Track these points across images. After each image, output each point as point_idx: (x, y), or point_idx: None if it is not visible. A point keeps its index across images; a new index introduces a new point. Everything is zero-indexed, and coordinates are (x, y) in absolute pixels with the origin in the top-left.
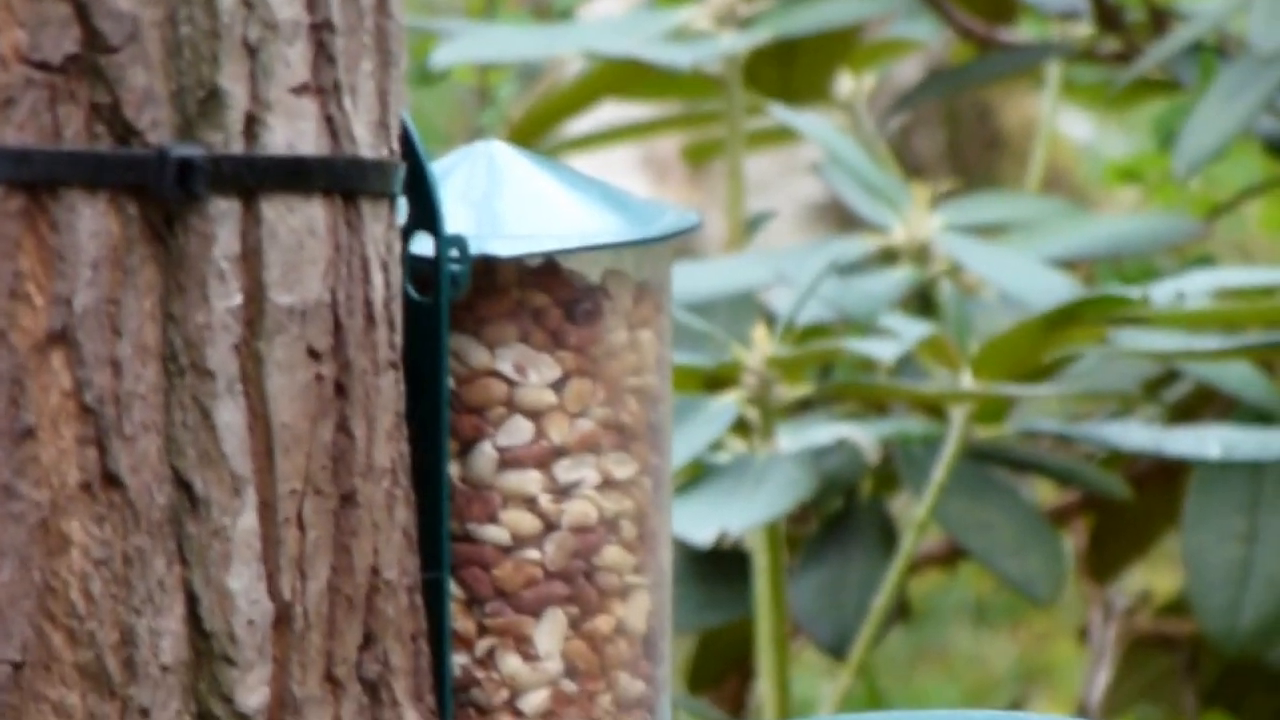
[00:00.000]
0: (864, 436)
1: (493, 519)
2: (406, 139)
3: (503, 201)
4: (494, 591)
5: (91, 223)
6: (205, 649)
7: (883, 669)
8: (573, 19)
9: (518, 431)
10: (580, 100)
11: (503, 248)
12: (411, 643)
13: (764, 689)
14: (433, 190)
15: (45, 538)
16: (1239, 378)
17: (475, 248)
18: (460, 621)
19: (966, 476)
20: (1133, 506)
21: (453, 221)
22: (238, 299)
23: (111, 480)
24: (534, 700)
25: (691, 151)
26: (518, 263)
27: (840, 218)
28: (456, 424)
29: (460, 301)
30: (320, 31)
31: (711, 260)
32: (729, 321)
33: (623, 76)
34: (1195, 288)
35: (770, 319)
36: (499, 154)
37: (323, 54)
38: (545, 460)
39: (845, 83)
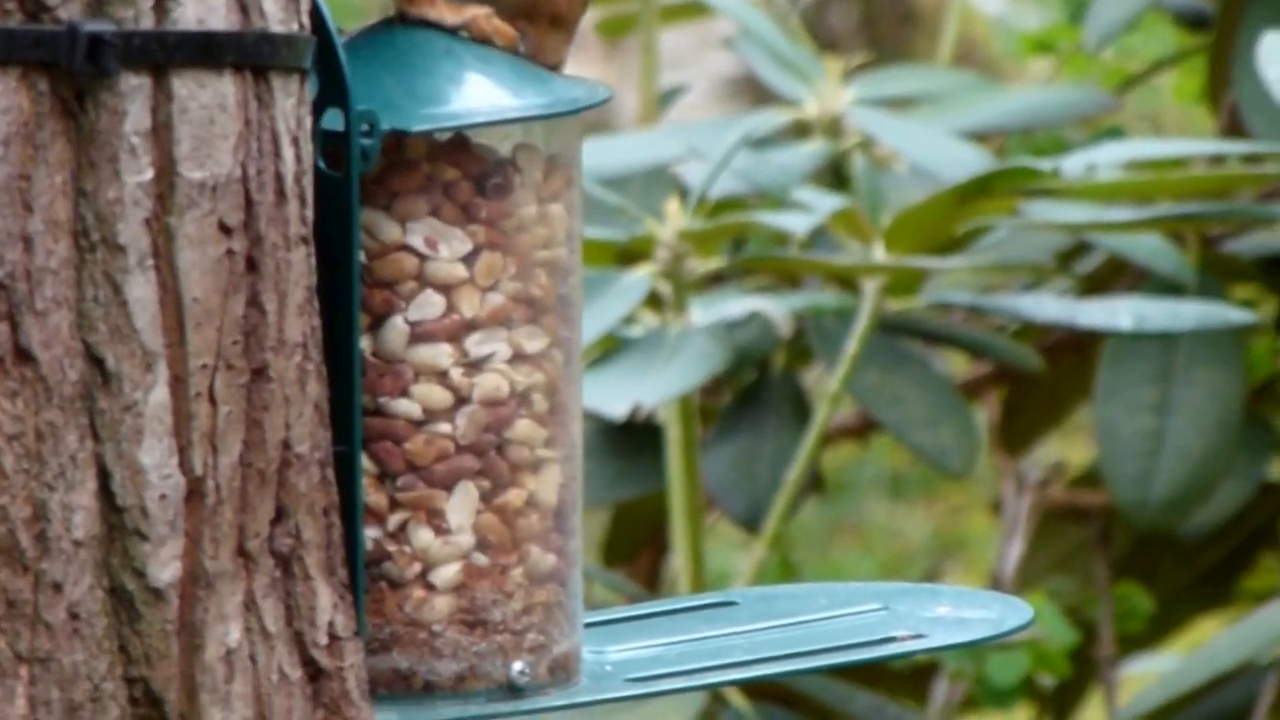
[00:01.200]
0: (776, 310)
1: (404, 393)
2: (316, 14)
3: (413, 77)
4: (405, 465)
5: (2, 99)
6: (117, 524)
7: (798, 542)
8: None
9: (429, 305)
10: None
11: (413, 122)
12: (323, 517)
13: (678, 562)
14: (342, 65)
15: None
16: (1150, 249)
17: (386, 122)
18: (372, 495)
19: (879, 349)
20: (1045, 378)
21: (363, 97)
22: (149, 174)
23: (23, 355)
24: (446, 574)
25: (606, 26)
26: (428, 137)
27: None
28: (367, 298)
29: (371, 176)
30: None
31: (625, 135)
32: (642, 196)
33: None
34: (1106, 160)
35: (683, 193)
36: (409, 30)
37: None
38: (456, 334)
39: None
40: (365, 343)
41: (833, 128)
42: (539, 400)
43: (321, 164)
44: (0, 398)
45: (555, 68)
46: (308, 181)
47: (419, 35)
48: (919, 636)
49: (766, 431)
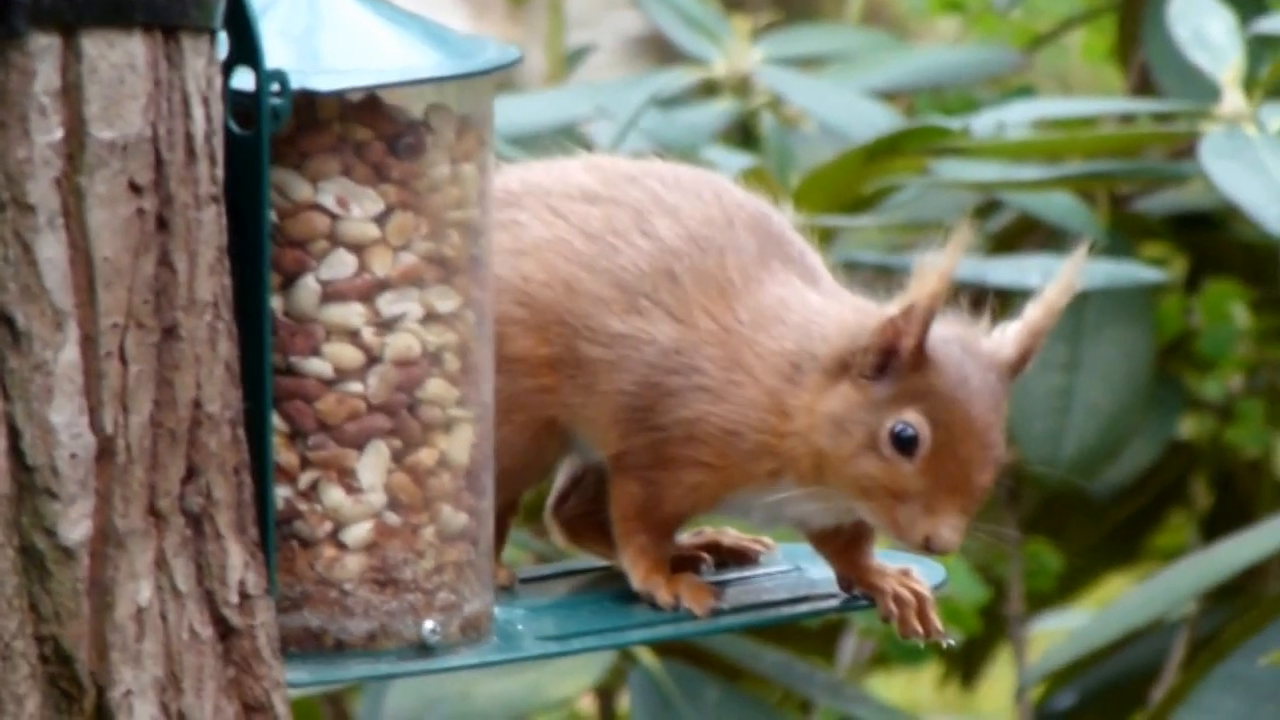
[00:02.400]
0: None
1: (315, 352)
2: None
3: (324, 37)
4: (316, 425)
5: None
6: (27, 482)
7: None
8: None
9: (340, 265)
10: None
11: (324, 82)
12: (234, 475)
13: None
14: (253, 25)
15: None
16: (1060, 208)
17: (297, 82)
18: (283, 454)
19: None
20: None
21: (274, 57)
22: (58, 134)
23: None
24: (357, 533)
25: None
26: (340, 97)
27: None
28: (279, 258)
29: (282, 136)
30: None
31: (533, 94)
32: (550, 155)
33: None
34: (1016, 118)
35: (591, 152)
36: None
37: None
38: (368, 293)
39: None
40: (276, 302)
41: (741, 87)
42: (451, 360)
43: (232, 124)
44: None
45: None
46: (218, 141)
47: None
48: (831, 596)
49: None
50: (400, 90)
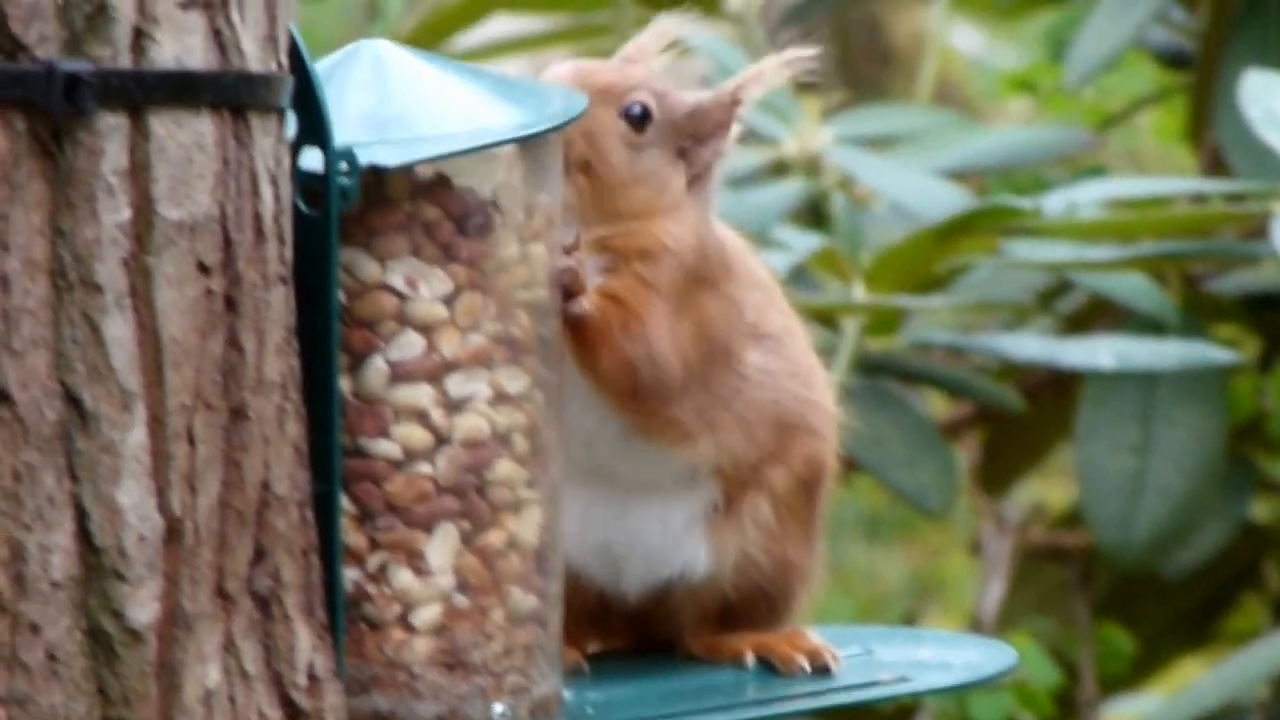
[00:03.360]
0: None
1: (384, 433)
2: (295, 53)
3: (391, 104)
4: (385, 506)
5: None
6: (95, 564)
7: None
8: None
9: (409, 346)
10: (471, 14)
11: (391, 156)
12: (303, 557)
13: None
14: (322, 104)
15: None
16: (1132, 288)
17: (365, 157)
18: (352, 536)
19: (859, 388)
20: (1025, 418)
21: (341, 128)
22: (126, 214)
23: (0, 395)
24: (426, 615)
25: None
26: (409, 176)
27: None
28: (347, 338)
29: (351, 214)
30: None
31: None
32: None
33: None
34: (1087, 198)
35: None
36: (385, 52)
37: None
38: (437, 374)
39: None
40: (345, 383)
41: (811, 166)
42: (520, 441)
43: (300, 203)
44: None
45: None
46: (286, 220)
47: (396, 58)
48: (903, 680)
49: None
50: (470, 168)
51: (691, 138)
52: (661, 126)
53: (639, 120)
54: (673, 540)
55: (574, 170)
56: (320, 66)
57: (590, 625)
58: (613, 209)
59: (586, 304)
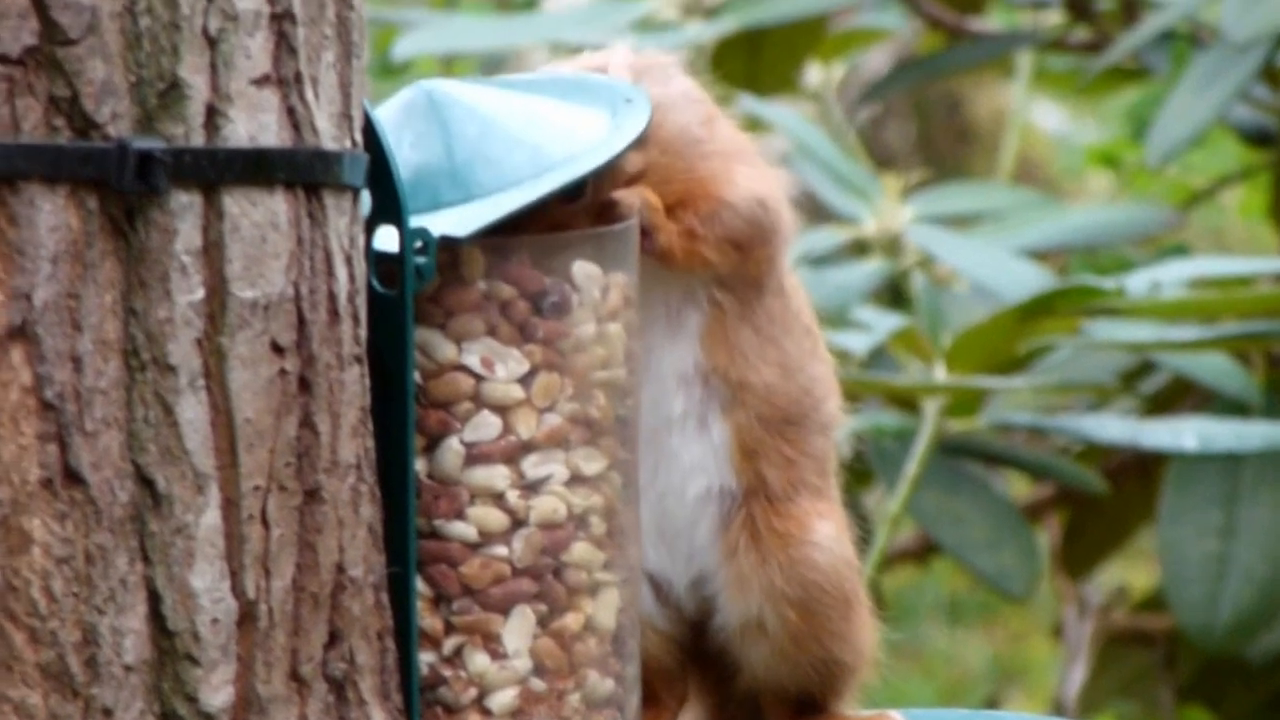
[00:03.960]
0: None
1: (460, 515)
2: (369, 130)
3: (454, 155)
4: (461, 589)
5: (51, 217)
6: (169, 648)
7: None
8: (536, 9)
9: (485, 427)
10: None
11: (460, 224)
12: (378, 640)
13: None
14: (397, 181)
15: (6, 536)
16: (1216, 369)
17: (435, 226)
18: (427, 619)
19: (940, 470)
20: (1108, 500)
21: (407, 189)
22: (200, 293)
23: (73, 477)
24: (502, 699)
25: None
26: (484, 253)
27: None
28: (423, 419)
29: (426, 294)
30: (281, 22)
31: None
32: None
33: None
34: (1171, 278)
35: None
36: (440, 95)
37: (284, 45)
38: (513, 455)
39: (813, 73)
40: (420, 464)
41: (891, 246)
42: (597, 523)
43: (375, 282)
44: (49, 520)
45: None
46: (361, 300)
47: (449, 98)
48: None
49: None
50: (545, 247)
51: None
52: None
53: None
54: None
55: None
56: (379, 114)
57: (669, 693)
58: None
59: (663, 239)
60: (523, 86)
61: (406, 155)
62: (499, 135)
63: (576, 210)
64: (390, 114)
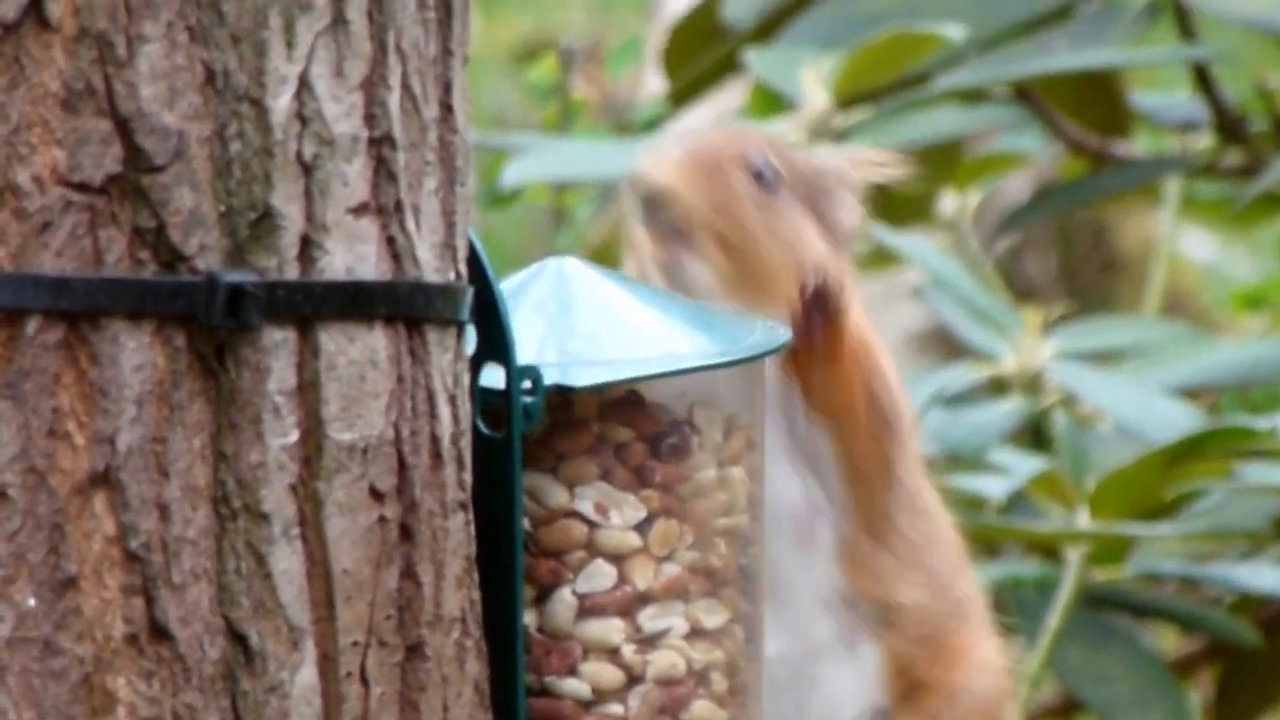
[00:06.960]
0: None
1: (572, 671)
2: (475, 262)
3: (578, 324)
4: None
5: (135, 355)
6: None
7: None
8: (656, 132)
9: (599, 576)
10: None
11: (581, 377)
12: None
13: None
14: (504, 317)
15: (89, 696)
16: None
17: (550, 377)
18: None
19: (1084, 623)
20: (1263, 654)
21: (526, 347)
22: (294, 436)
23: (159, 632)
24: None
25: None
26: (598, 394)
27: (945, 345)
28: (532, 569)
29: (535, 436)
30: (380, 147)
31: None
32: None
33: None
34: None
35: None
36: (572, 271)
37: (383, 171)
38: (628, 607)
39: (949, 201)
40: (530, 617)
41: (1031, 384)
42: (718, 679)
43: (481, 424)
44: (135, 678)
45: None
46: (466, 443)
47: (583, 278)
48: None
49: None
50: (664, 384)
51: (821, 194)
52: (790, 184)
53: (767, 179)
54: None
55: (709, 246)
56: (504, 285)
57: None
58: (752, 277)
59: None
60: (657, 294)
61: (526, 318)
62: (627, 320)
63: None
64: (517, 279)
